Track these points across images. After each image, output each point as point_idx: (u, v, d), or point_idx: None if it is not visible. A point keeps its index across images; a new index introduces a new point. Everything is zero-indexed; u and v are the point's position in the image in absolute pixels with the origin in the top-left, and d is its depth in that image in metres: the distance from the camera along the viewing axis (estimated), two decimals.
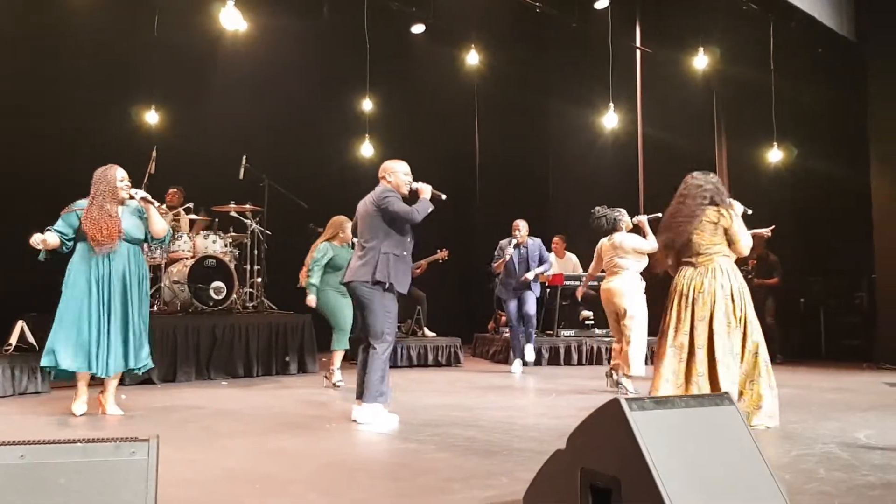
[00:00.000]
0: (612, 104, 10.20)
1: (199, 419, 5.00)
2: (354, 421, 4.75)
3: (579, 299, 7.61)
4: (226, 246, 8.08)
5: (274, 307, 8.41)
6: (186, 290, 7.52)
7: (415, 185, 4.91)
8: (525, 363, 8.18)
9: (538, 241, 8.19)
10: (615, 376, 6.33)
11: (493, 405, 5.68)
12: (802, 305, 9.93)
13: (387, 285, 4.69)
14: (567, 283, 9.31)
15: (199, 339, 7.19)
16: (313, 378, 7.44)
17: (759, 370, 4.53)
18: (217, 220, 8.43)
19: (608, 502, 2.26)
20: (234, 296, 7.80)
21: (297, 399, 6.08)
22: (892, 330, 8.73)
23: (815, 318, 9.87)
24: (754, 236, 5.00)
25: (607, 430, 2.30)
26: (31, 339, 6.30)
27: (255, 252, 8.35)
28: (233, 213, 8.36)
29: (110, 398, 5.06)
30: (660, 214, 6.41)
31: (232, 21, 7.78)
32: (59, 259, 5.01)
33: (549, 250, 9.92)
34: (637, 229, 6.63)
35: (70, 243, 4.96)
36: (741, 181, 9.27)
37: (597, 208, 6.76)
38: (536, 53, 12.54)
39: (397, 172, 4.90)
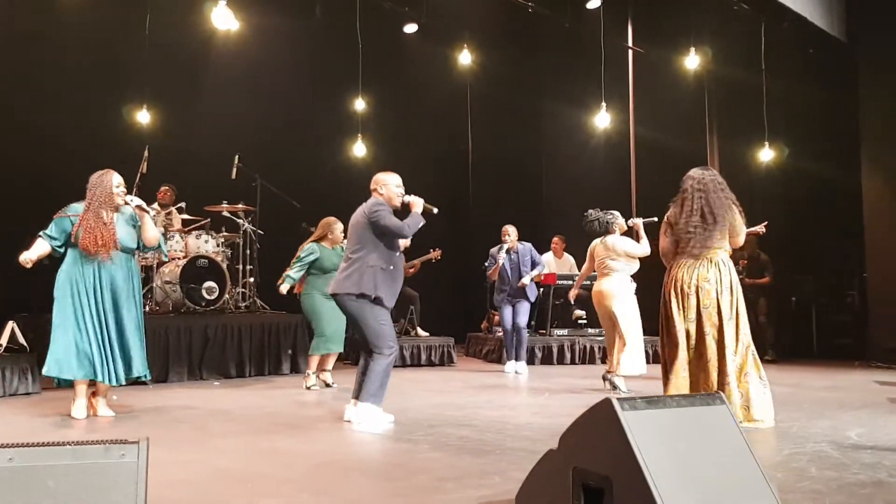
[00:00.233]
0: (604, 104, 10.22)
1: (192, 419, 4.98)
2: (348, 421, 4.75)
3: (571, 301, 7.61)
4: (218, 246, 8.06)
5: (266, 307, 8.40)
6: (178, 290, 7.50)
7: (407, 197, 4.88)
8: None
9: (528, 245, 8.14)
10: (609, 377, 6.34)
11: (486, 405, 5.68)
12: (794, 304, 9.97)
13: (373, 297, 4.65)
14: (560, 282, 9.32)
15: (192, 339, 7.17)
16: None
17: (749, 364, 4.64)
18: (209, 219, 8.41)
19: (600, 502, 2.26)
20: (227, 296, 7.78)
21: (290, 399, 6.07)
22: (884, 328, 8.78)
23: (806, 317, 9.92)
24: (749, 234, 5.06)
25: (599, 429, 2.30)
26: (21, 339, 6.27)
27: (248, 252, 8.33)
28: (225, 213, 8.34)
29: (102, 400, 5.04)
30: (655, 219, 6.45)
31: (224, 20, 7.78)
32: (50, 260, 4.97)
33: (548, 250, 9.97)
34: (631, 231, 6.64)
35: (61, 249, 4.91)
36: (733, 180, 9.15)
37: (589, 211, 6.75)
38: (529, 53, 12.55)
39: (389, 185, 4.86)
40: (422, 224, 4.81)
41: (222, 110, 9.90)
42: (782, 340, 9.41)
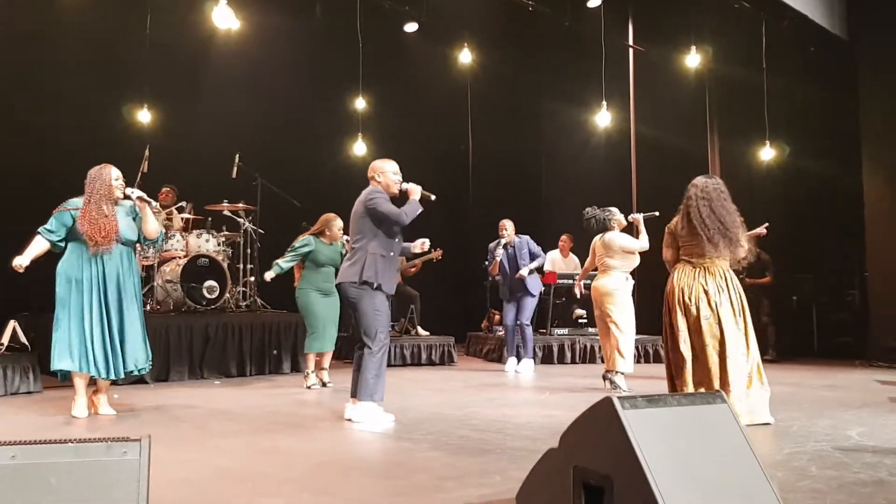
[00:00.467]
0: (604, 103, 10.22)
1: (192, 418, 4.99)
2: (348, 420, 4.75)
3: (578, 295, 7.59)
4: (219, 245, 8.06)
5: (267, 306, 8.40)
6: (179, 289, 7.50)
7: (405, 185, 4.89)
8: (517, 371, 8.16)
9: (526, 237, 8.16)
10: (613, 378, 6.35)
11: (486, 404, 5.68)
12: (795, 303, 9.97)
13: (375, 286, 4.67)
14: (561, 281, 9.32)
15: (192, 338, 7.17)
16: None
17: (754, 368, 4.67)
18: (210, 218, 8.41)
19: (601, 501, 2.26)
20: (227, 295, 7.79)
21: (291, 398, 6.07)
22: (884, 327, 8.78)
23: (807, 316, 9.92)
24: (750, 235, 5.05)
25: (600, 428, 2.30)
26: (23, 338, 6.27)
27: (248, 251, 8.33)
28: (226, 212, 8.34)
29: (103, 398, 5.04)
30: (657, 213, 6.46)
31: (224, 20, 7.78)
32: (52, 258, 4.97)
33: (549, 249, 9.96)
34: (632, 227, 6.64)
35: (62, 244, 4.91)
36: (733, 180, 9.24)
37: (587, 209, 6.76)
38: (529, 52, 12.55)
39: (387, 172, 4.88)
40: (420, 211, 4.80)
41: (223, 109, 9.90)
42: (783, 340, 9.41)
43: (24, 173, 8.37)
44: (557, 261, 9.89)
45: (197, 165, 9.27)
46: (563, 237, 10.04)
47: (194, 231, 8.09)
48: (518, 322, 8.06)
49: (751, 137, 9.98)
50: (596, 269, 6.75)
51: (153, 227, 5.13)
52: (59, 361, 4.80)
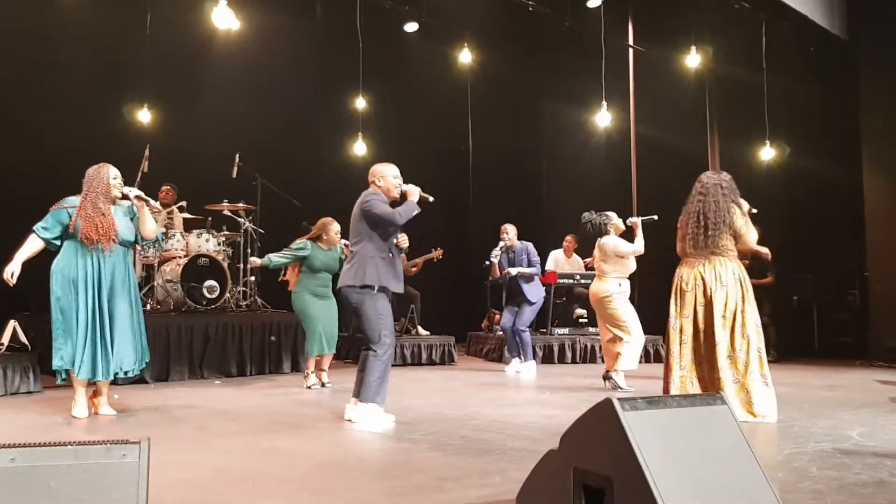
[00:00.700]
0: (605, 103, 10.22)
1: (192, 419, 4.98)
2: (349, 420, 4.75)
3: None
4: (219, 244, 8.06)
5: (267, 306, 8.40)
6: (179, 288, 7.50)
7: (404, 187, 4.88)
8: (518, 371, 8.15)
9: (527, 244, 8.09)
10: (613, 377, 6.36)
11: (486, 404, 5.68)
12: (795, 303, 9.97)
13: (376, 288, 4.66)
14: (561, 281, 9.32)
15: (193, 338, 7.17)
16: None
17: (753, 362, 4.75)
18: (210, 218, 8.41)
19: (601, 502, 2.26)
20: (228, 295, 7.78)
21: (291, 398, 6.07)
22: (885, 327, 8.78)
23: (807, 316, 9.92)
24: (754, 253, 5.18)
25: (600, 429, 2.30)
26: (23, 338, 6.27)
27: (249, 251, 8.33)
28: (226, 212, 8.34)
29: (103, 399, 5.03)
30: (656, 217, 6.49)
31: (225, 20, 7.78)
32: (52, 256, 4.95)
33: (550, 250, 9.96)
34: (631, 231, 6.63)
35: (57, 242, 4.86)
36: (734, 179, 9.30)
37: (585, 214, 6.76)
38: (529, 52, 12.55)
39: (387, 176, 4.85)
40: (416, 212, 4.77)
41: (223, 109, 9.90)
42: (783, 339, 9.41)
43: (25, 173, 8.37)
44: (560, 260, 9.90)
45: (197, 165, 9.27)
46: (568, 237, 10.02)
47: (194, 231, 8.09)
48: (514, 327, 8.04)
49: (751, 137, 9.98)
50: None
51: (151, 227, 5.09)
52: (55, 361, 4.78)
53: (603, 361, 6.82)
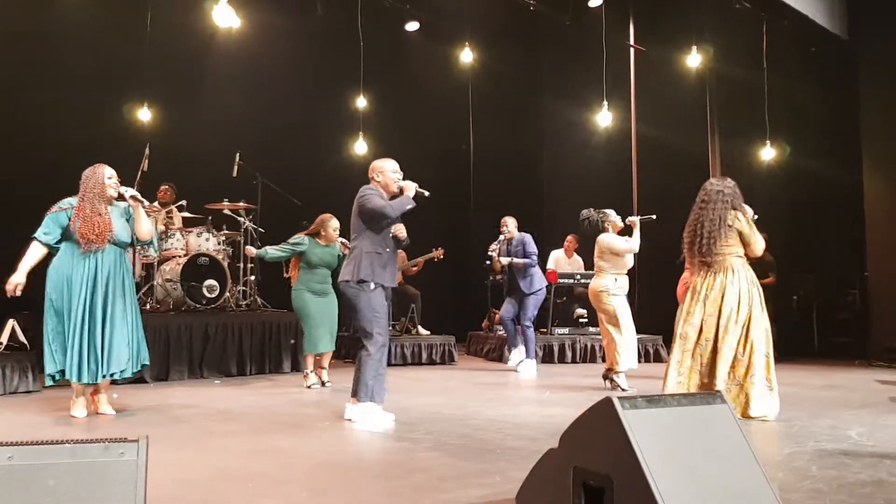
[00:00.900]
0: (605, 102, 10.22)
1: (192, 418, 4.98)
2: (348, 420, 4.75)
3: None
4: (219, 244, 8.05)
5: (267, 305, 8.39)
6: (179, 288, 7.49)
7: (401, 183, 4.88)
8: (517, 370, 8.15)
9: (525, 236, 8.09)
10: (613, 378, 6.37)
11: (486, 403, 5.68)
12: (795, 303, 9.97)
13: (372, 285, 4.66)
14: (561, 281, 9.32)
15: (192, 337, 7.17)
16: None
17: (756, 366, 4.80)
18: (210, 217, 8.41)
19: (601, 501, 2.26)
20: (227, 294, 7.78)
21: (290, 398, 6.06)
22: (885, 327, 8.78)
23: (807, 316, 9.91)
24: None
25: (600, 428, 2.30)
26: (21, 337, 6.27)
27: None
28: (226, 211, 8.33)
29: (103, 398, 5.02)
30: (654, 216, 6.52)
31: (225, 18, 7.78)
32: (51, 256, 4.94)
33: (551, 249, 9.96)
34: (629, 229, 6.65)
35: (58, 245, 4.83)
36: (734, 179, 9.29)
37: (583, 211, 6.78)
38: (530, 51, 12.54)
39: (385, 171, 4.86)
40: (410, 207, 4.76)
41: (223, 108, 9.89)
42: (783, 339, 9.39)
43: (25, 173, 8.36)
44: (561, 260, 9.89)
45: (197, 164, 9.27)
46: (569, 237, 10.02)
47: (194, 230, 8.08)
48: (519, 323, 8.05)
49: (751, 137, 9.98)
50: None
51: (146, 228, 5.04)
52: (47, 364, 4.72)
53: (604, 361, 6.82)
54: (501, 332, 8.85)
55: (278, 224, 8.73)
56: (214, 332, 7.29)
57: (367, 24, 9.06)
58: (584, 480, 2.33)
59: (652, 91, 10.72)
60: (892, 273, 8.81)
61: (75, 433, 4.40)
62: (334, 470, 3.54)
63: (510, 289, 8.14)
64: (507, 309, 8.14)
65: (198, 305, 7.52)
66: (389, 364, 5.67)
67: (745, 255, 5.02)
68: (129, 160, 7.24)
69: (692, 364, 4.90)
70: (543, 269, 8.67)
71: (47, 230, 4.81)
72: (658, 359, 9.06)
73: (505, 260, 8.00)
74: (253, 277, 8.38)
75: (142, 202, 4.99)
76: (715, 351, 4.82)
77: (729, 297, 4.85)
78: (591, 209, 6.75)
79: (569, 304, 9.85)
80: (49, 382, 4.81)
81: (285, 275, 7.12)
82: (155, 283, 7.67)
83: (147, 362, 5.08)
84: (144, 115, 9.07)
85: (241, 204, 8.30)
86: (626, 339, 6.43)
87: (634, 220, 6.63)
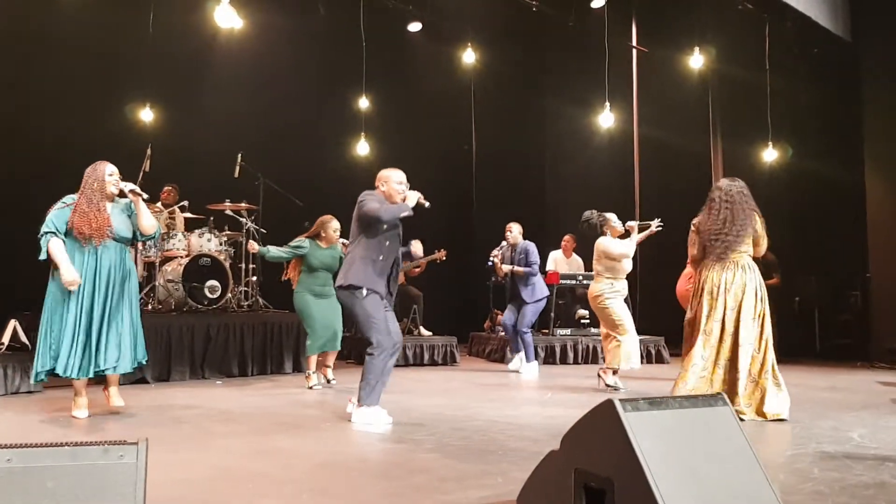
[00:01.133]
0: (608, 103, 10.21)
1: (193, 419, 4.98)
2: (350, 420, 4.74)
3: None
4: (221, 244, 8.06)
5: (269, 306, 8.39)
6: (181, 288, 7.50)
7: (404, 193, 4.86)
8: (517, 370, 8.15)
9: (529, 245, 8.05)
10: (603, 377, 6.41)
11: (488, 404, 5.67)
12: (797, 304, 9.95)
13: (364, 291, 4.62)
14: (563, 281, 9.31)
15: (194, 338, 7.16)
16: None
17: (769, 362, 4.93)
18: (212, 218, 8.41)
19: (602, 503, 2.25)
20: (229, 295, 7.78)
21: (292, 399, 6.06)
22: (886, 329, 8.77)
23: (809, 317, 9.90)
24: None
25: (601, 430, 2.29)
26: (23, 338, 6.27)
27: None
28: (228, 212, 8.34)
29: (113, 390, 4.93)
30: (651, 223, 6.56)
31: (227, 19, 7.77)
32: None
33: (552, 249, 9.95)
34: (629, 234, 6.66)
35: (64, 240, 4.85)
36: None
37: (585, 213, 6.77)
38: (533, 52, 12.54)
39: (391, 181, 4.82)
40: (405, 214, 4.71)
41: (225, 108, 9.91)
42: (785, 340, 9.37)
43: (25, 172, 8.37)
44: (560, 261, 9.88)
45: (199, 165, 9.28)
46: (566, 237, 10.01)
47: (196, 230, 8.08)
48: (516, 328, 8.05)
49: (754, 138, 9.97)
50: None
51: (148, 221, 5.02)
52: (36, 361, 4.69)
53: (605, 362, 6.82)
54: (503, 333, 8.85)
55: (280, 224, 8.74)
56: (216, 333, 7.28)
57: (370, 25, 9.07)
58: (586, 482, 2.33)
59: (654, 92, 10.72)
60: (893, 275, 8.80)
61: (76, 434, 4.39)
62: (335, 470, 3.53)
63: (512, 296, 8.16)
64: (508, 316, 8.15)
65: (199, 306, 7.52)
66: None
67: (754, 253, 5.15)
68: (131, 160, 7.24)
69: (716, 359, 4.97)
70: (543, 271, 8.66)
71: (57, 225, 4.76)
72: (659, 360, 9.05)
73: (507, 268, 8.00)
74: (255, 278, 8.39)
75: (141, 195, 4.97)
76: (735, 345, 4.92)
77: (748, 292, 4.96)
78: (594, 211, 6.73)
79: (570, 305, 9.85)
80: (34, 380, 4.77)
81: (283, 277, 7.11)
82: (157, 283, 7.68)
83: (144, 361, 5.04)
84: (146, 115, 9.08)
85: (243, 204, 8.31)
86: (628, 341, 6.42)
87: (633, 224, 6.67)
